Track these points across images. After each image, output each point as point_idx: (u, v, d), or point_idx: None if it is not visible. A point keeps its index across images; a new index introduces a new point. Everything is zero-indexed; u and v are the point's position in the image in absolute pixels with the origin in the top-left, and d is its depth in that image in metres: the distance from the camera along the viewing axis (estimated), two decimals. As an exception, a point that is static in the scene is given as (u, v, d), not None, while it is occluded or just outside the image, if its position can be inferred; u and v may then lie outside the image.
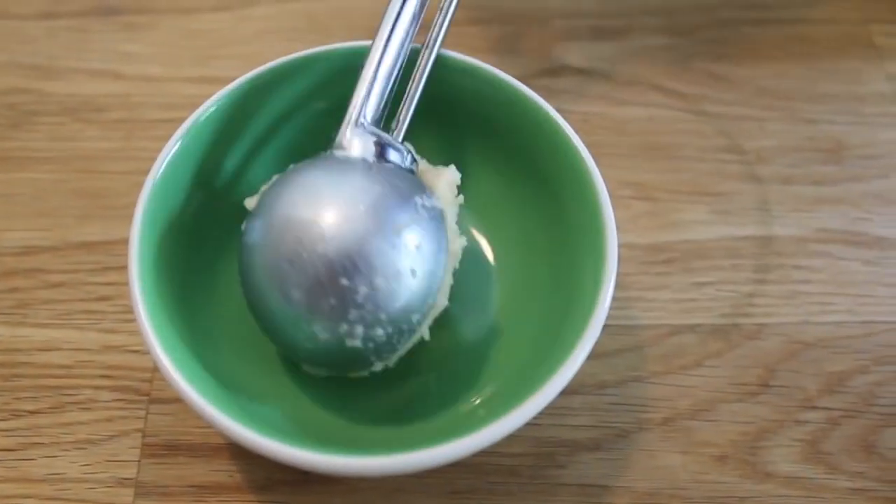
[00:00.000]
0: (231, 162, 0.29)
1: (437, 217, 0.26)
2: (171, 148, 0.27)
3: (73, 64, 0.38)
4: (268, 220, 0.25)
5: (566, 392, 0.24)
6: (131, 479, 0.27)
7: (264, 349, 0.28)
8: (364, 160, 0.26)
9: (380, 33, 0.27)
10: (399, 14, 0.27)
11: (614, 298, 0.24)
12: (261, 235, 0.25)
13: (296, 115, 0.30)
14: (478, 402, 0.27)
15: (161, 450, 0.28)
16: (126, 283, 0.25)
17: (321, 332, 0.24)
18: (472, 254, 0.29)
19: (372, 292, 0.24)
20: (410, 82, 0.28)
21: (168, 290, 0.26)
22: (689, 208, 0.34)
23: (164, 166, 0.27)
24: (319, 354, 0.25)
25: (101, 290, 0.31)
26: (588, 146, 0.27)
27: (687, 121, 0.36)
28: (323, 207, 0.24)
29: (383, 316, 0.24)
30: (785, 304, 0.31)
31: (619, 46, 0.39)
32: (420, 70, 0.28)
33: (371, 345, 0.24)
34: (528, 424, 0.23)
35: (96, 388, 0.29)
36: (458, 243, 0.27)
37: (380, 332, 0.24)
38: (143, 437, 0.28)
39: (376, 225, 0.24)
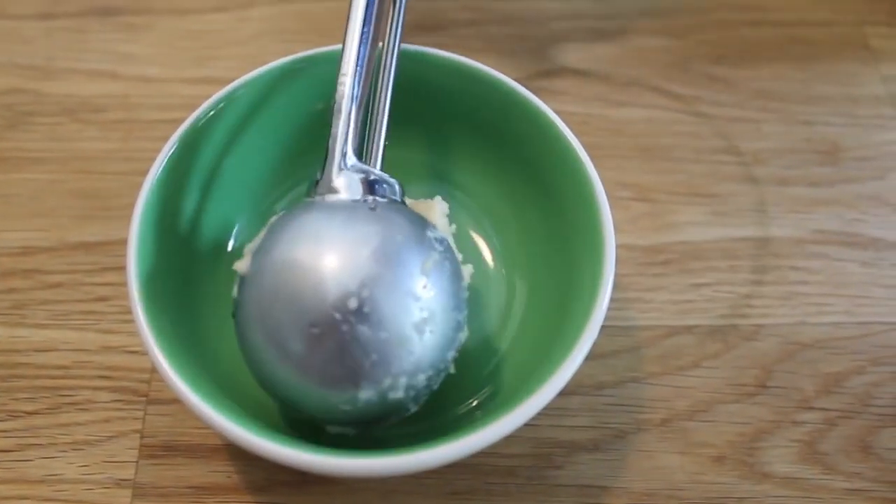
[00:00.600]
0: (230, 163, 0.29)
1: (449, 248, 0.25)
2: (170, 149, 0.27)
3: (70, 64, 0.38)
4: (274, 284, 0.23)
5: (564, 393, 0.24)
6: (129, 480, 0.27)
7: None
8: (363, 201, 0.24)
9: (344, 61, 0.26)
10: (361, 39, 0.26)
11: (612, 299, 0.24)
12: (269, 304, 0.23)
13: (294, 116, 0.30)
14: (476, 403, 0.27)
15: (159, 451, 0.28)
16: (124, 284, 0.25)
17: (364, 393, 0.22)
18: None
19: (410, 339, 0.22)
20: (376, 108, 0.27)
21: (166, 291, 0.26)
22: (687, 210, 0.34)
23: (162, 167, 0.27)
24: (356, 414, 0.23)
25: (100, 291, 0.31)
26: (586, 147, 0.27)
27: (684, 122, 0.36)
28: (340, 261, 0.22)
29: (424, 361, 0.23)
30: (782, 305, 0.31)
31: (617, 48, 0.39)
32: (382, 92, 0.27)
33: (412, 392, 0.23)
34: (527, 425, 0.23)
35: (94, 388, 0.29)
36: (467, 271, 0.26)
37: (421, 377, 0.23)
38: (142, 437, 0.28)
39: (402, 270, 0.23)
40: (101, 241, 0.32)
